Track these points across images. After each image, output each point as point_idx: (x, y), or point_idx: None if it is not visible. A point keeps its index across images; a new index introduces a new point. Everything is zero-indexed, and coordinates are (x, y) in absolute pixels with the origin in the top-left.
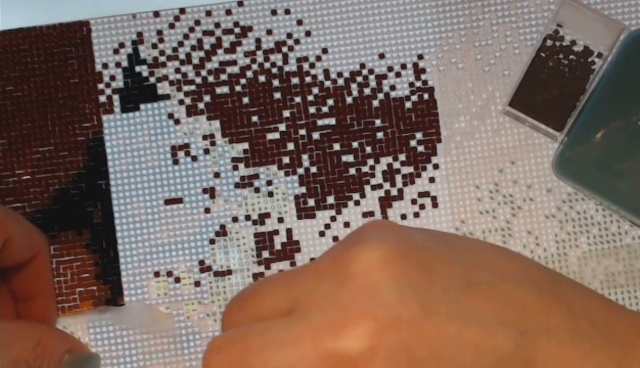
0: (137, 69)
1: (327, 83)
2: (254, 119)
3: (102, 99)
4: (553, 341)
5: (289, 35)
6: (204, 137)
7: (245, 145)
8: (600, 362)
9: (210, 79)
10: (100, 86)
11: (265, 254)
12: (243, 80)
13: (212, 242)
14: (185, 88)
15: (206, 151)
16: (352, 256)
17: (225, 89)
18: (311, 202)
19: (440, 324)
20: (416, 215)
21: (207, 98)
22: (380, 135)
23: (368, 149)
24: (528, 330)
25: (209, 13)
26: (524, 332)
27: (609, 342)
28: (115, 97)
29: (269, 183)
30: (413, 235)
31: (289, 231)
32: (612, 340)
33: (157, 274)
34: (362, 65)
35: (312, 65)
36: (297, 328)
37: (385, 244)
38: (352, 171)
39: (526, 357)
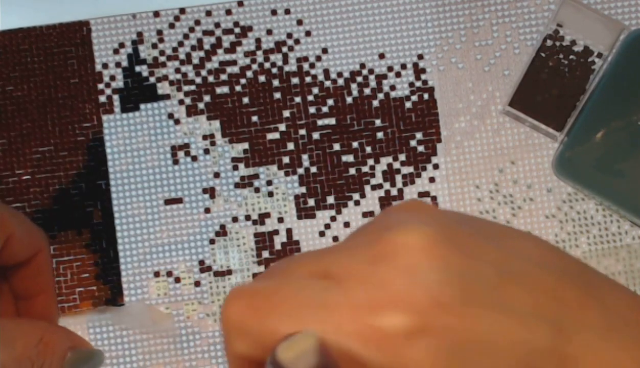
0: (137, 68)
1: (327, 83)
2: (254, 118)
3: (102, 98)
4: (589, 336)
5: (289, 35)
6: (204, 137)
7: (245, 145)
8: (636, 357)
9: (210, 78)
10: (100, 86)
11: (265, 254)
12: (243, 80)
13: (212, 242)
14: (185, 88)
15: (206, 151)
16: (392, 237)
17: (225, 89)
18: (311, 202)
19: (478, 312)
20: None
21: (207, 98)
22: (380, 135)
23: (368, 149)
24: (565, 323)
25: (209, 13)
26: (560, 326)
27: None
28: (115, 97)
29: (269, 183)
30: (451, 218)
31: (289, 231)
32: None
33: (157, 274)
34: (362, 65)
35: (312, 65)
36: (334, 295)
37: (428, 227)
38: (352, 171)
39: (562, 352)
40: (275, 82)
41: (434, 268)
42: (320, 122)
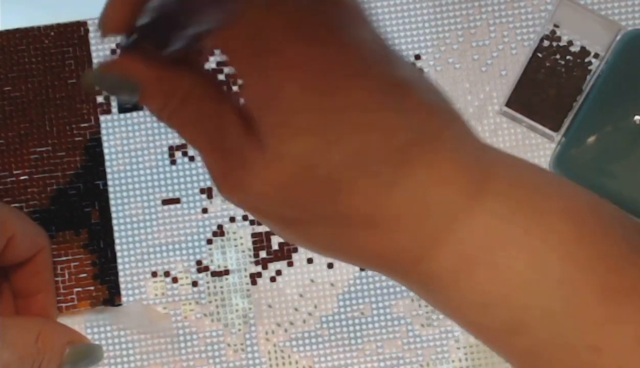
0: None
1: None
2: None
3: (100, 99)
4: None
5: None
6: None
7: None
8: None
9: None
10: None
11: (263, 254)
12: (240, 80)
13: (209, 242)
14: None
15: None
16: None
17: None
18: None
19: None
20: None
21: None
22: None
23: None
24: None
25: None
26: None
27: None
28: (113, 97)
29: None
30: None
31: None
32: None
33: (154, 274)
34: None
35: None
36: None
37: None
38: None
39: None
40: None
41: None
42: None
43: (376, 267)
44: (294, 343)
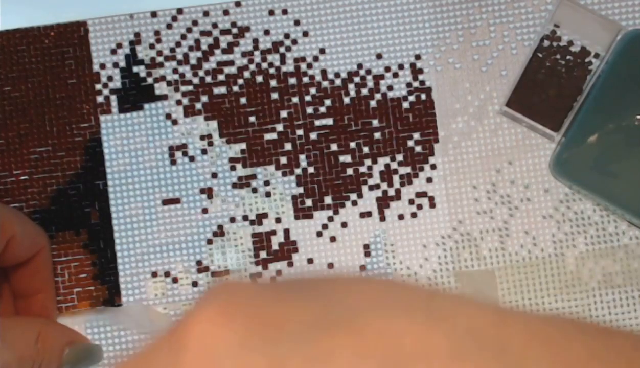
0: (135, 69)
1: (325, 83)
2: (252, 119)
3: (100, 99)
4: (432, 364)
5: (287, 36)
6: (202, 137)
7: (243, 146)
8: None
9: (208, 79)
10: (98, 86)
11: (263, 254)
12: (240, 81)
13: (209, 242)
14: (183, 88)
15: (204, 151)
16: (182, 325)
17: (222, 89)
18: (308, 202)
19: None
20: (414, 215)
21: (204, 98)
22: (377, 135)
23: (365, 149)
24: (401, 359)
25: (206, 13)
26: (396, 363)
27: (497, 355)
28: (113, 97)
29: (267, 183)
30: (250, 288)
31: (286, 231)
32: (501, 352)
33: (154, 274)
34: (360, 66)
35: (309, 66)
36: None
37: (213, 306)
38: (350, 171)
39: None
40: (273, 83)
41: (232, 348)
42: (317, 122)
43: None
44: None
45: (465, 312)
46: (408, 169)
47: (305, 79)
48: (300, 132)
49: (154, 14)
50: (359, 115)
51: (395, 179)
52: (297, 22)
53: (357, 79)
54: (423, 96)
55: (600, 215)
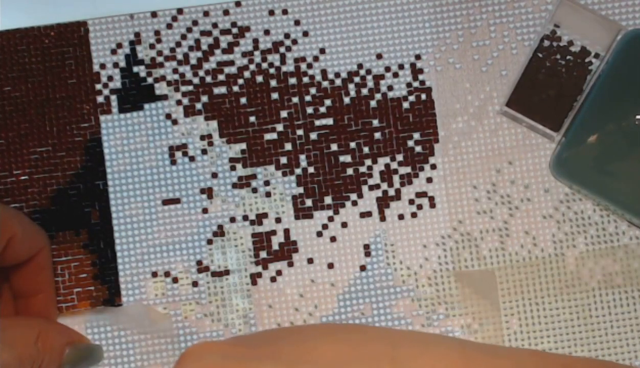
0: (135, 69)
1: (325, 83)
2: (252, 119)
3: (100, 99)
4: None
5: (287, 36)
6: (202, 138)
7: (243, 146)
8: None
9: (208, 79)
10: (98, 86)
11: (263, 254)
12: (240, 81)
13: (209, 242)
14: (183, 88)
15: (204, 151)
16: None
17: (222, 89)
18: (309, 203)
19: None
20: (414, 215)
21: (204, 98)
22: (377, 135)
23: (366, 149)
24: None
25: (206, 13)
26: None
27: None
28: (113, 97)
29: (267, 183)
30: (220, 350)
31: (286, 231)
32: None
33: (154, 274)
34: (360, 66)
35: (309, 66)
36: None
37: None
38: (350, 171)
39: None
40: (273, 83)
41: None
42: (317, 123)
43: None
44: None
45: (430, 360)
46: (408, 169)
47: (306, 79)
48: (300, 132)
49: (154, 14)
50: (359, 115)
51: (396, 179)
52: (297, 22)
53: (357, 79)
54: (423, 96)
55: (600, 215)
